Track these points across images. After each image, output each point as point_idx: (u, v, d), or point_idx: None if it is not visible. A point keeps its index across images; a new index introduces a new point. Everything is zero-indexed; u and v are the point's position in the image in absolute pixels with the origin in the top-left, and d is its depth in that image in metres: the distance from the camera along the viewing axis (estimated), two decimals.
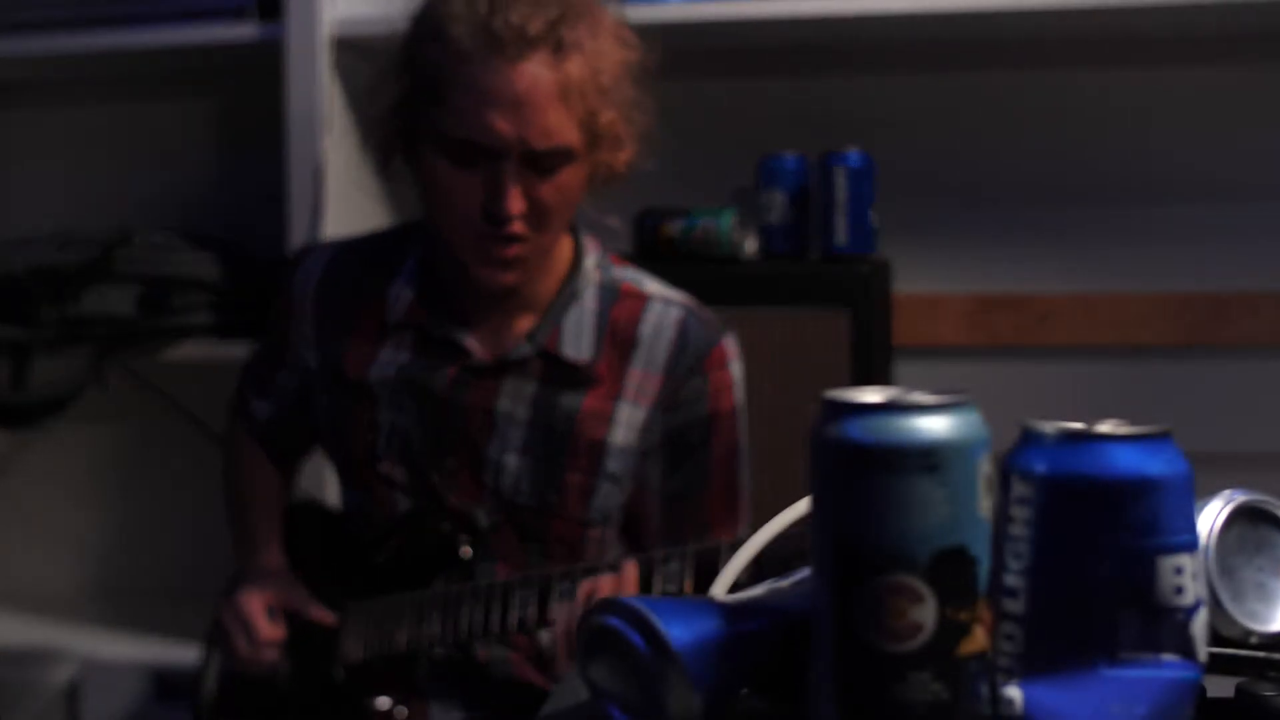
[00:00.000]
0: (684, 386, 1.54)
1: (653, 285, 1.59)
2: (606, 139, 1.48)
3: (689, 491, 1.57)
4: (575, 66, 1.42)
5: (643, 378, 1.54)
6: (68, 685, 2.28)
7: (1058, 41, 2.12)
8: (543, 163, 1.43)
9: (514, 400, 1.53)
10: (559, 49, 1.41)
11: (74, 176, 2.51)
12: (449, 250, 1.51)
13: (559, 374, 1.53)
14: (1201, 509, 0.70)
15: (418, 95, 1.46)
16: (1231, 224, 2.12)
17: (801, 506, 0.79)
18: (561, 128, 1.42)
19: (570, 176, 1.46)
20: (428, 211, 1.52)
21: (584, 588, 1.37)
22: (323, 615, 1.55)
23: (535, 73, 1.40)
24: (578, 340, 1.53)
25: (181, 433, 2.37)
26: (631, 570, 1.37)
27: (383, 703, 1.53)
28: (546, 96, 1.41)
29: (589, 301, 1.55)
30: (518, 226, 1.45)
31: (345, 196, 2.06)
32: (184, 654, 2.06)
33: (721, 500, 1.58)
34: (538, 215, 1.45)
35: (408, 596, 1.49)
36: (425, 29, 1.46)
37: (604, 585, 1.37)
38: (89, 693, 2.25)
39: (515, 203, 1.43)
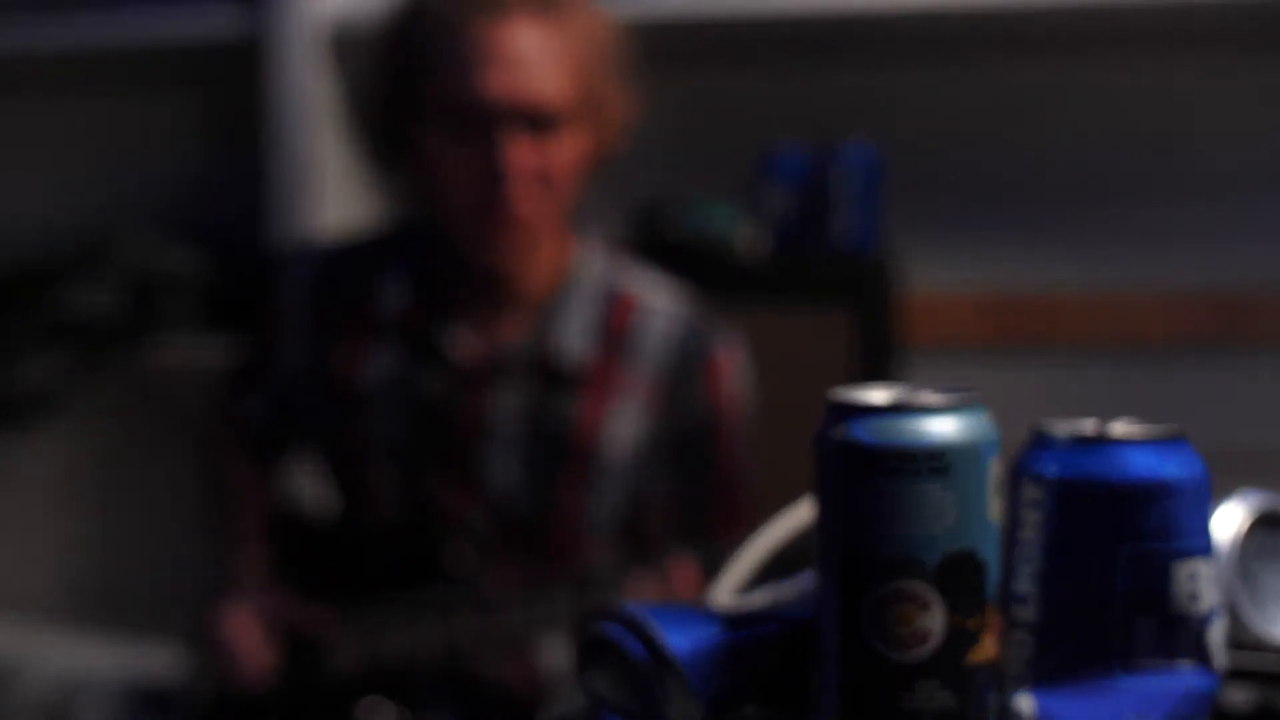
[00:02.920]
0: (683, 395, 1.53)
1: (654, 288, 1.57)
2: (606, 108, 1.46)
3: (690, 500, 1.56)
4: (566, 27, 1.43)
5: (640, 384, 1.53)
6: (52, 699, 2.26)
7: (1071, 34, 2.10)
8: (540, 124, 1.42)
9: (508, 405, 1.52)
10: (546, 8, 1.42)
11: (59, 172, 2.49)
12: (449, 242, 1.50)
13: (554, 379, 1.52)
14: (1220, 511, 0.69)
15: (410, 80, 1.46)
16: (1251, 220, 2.10)
17: (792, 513, 0.78)
18: (556, 86, 1.42)
19: (571, 143, 1.44)
20: (429, 204, 1.51)
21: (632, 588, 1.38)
22: (311, 623, 1.52)
23: (522, 30, 1.41)
24: (574, 344, 1.52)
25: (167, 434, 2.35)
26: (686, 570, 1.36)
27: (377, 712, 1.52)
28: (536, 53, 1.41)
29: (587, 304, 1.54)
30: (520, 189, 1.42)
31: (336, 192, 2.05)
32: (171, 665, 2.04)
33: (725, 508, 1.56)
34: (539, 182, 1.43)
35: (401, 604, 1.48)
36: (408, 9, 1.48)
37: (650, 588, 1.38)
38: (74, 707, 2.23)
39: (514, 160, 1.41)
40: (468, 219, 1.46)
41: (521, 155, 1.41)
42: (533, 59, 1.41)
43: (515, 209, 1.43)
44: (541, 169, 1.43)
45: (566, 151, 1.44)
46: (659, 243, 2.00)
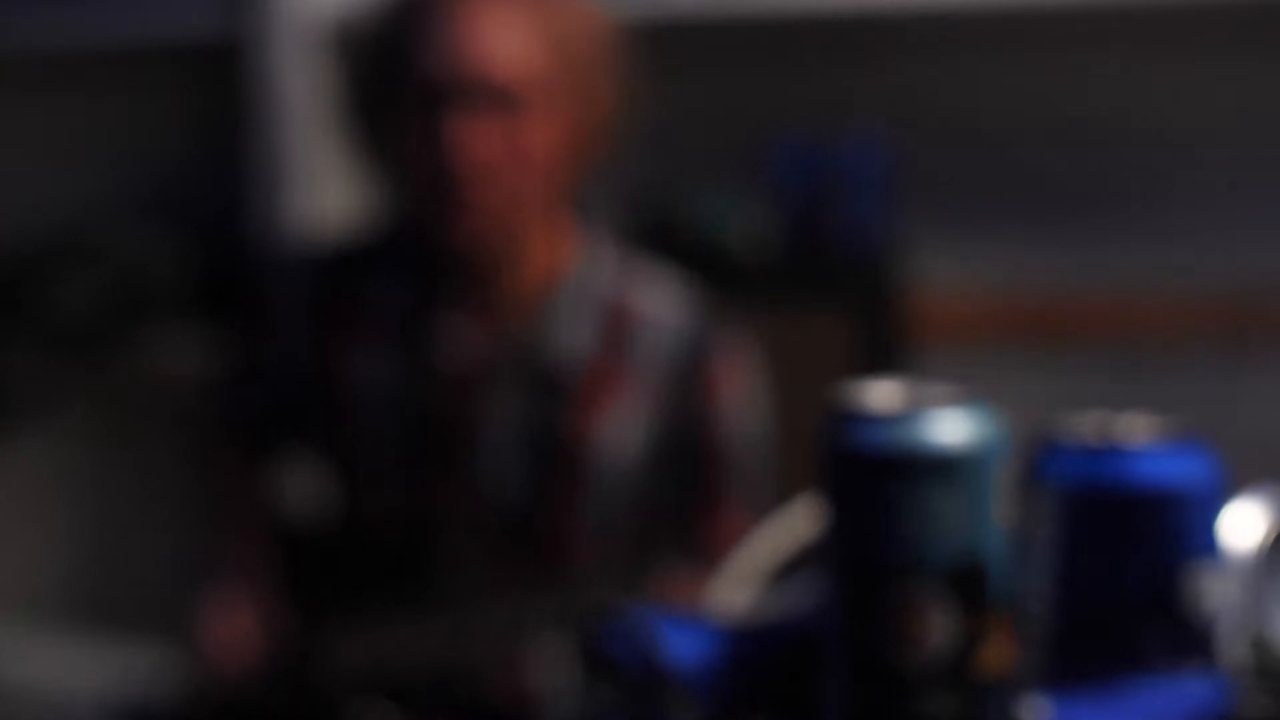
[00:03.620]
0: (682, 401, 1.52)
1: (660, 293, 1.56)
2: (590, 93, 1.44)
3: (693, 502, 1.55)
4: (543, 7, 1.41)
5: (639, 389, 1.52)
6: (44, 706, 2.25)
7: (1091, 26, 2.08)
8: (501, 103, 1.40)
9: (504, 407, 1.51)
10: None
11: (41, 169, 2.48)
12: (425, 233, 1.49)
13: (550, 381, 1.51)
14: (1241, 513, 0.68)
15: (381, 68, 1.46)
16: (1269, 218, 2.09)
17: (792, 515, 0.77)
18: (515, 62, 1.40)
19: (544, 126, 1.42)
20: (405, 198, 1.51)
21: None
22: (277, 641, 1.52)
23: (488, 8, 1.40)
24: (572, 346, 1.51)
25: (157, 432, 2.33)
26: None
27: (373, 714, 1.52)
28: (499, 29, 1.39)
29: (588, 306, 1.53)
30: (473, 169, 1.40)
31: (327, 189, 2.04)
32: (163, 670, 2.04)
33: (727, 510, 1.55)
34: (506, 165, 1.41)
35: (397, 606, 1.48)
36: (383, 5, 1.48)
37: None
38: (67, 715, 2.23)
39: (466, 139, 1.39)
40: (425, 205, 1.45)
41: (477, 135, 1.39)
42: (493, 35, 1.39)
43: (466, 191, 1.41)
44: (506, 151, 1.40)
45: (537, 134, 1.41)
46: (659, 240, 1.99)
